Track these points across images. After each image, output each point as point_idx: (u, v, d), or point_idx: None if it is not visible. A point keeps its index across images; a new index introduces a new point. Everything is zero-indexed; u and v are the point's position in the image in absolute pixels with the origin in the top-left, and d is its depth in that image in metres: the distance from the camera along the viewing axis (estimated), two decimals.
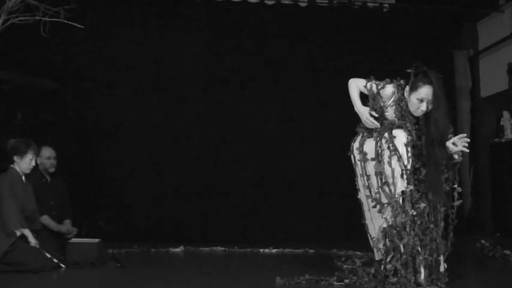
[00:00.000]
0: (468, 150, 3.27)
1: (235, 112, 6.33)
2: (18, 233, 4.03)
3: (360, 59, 6.51)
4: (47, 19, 4.41)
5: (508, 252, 4.62)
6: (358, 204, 6.12)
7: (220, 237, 5.77)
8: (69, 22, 4.46)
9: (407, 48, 6.64)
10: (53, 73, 5.97)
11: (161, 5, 6.36)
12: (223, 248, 5.40)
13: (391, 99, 3.44)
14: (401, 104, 3.38)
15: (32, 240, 4.05)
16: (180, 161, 6.19)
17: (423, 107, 3.29)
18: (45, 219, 4.76)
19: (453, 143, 3.26)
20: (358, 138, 3.64)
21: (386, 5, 6.79)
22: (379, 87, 3.47)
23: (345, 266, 4.11)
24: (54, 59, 6.02)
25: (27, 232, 4.07)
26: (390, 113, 3.46)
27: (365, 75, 6.80)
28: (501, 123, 6.70)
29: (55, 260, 4.02)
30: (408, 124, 3.35)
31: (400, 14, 6.73)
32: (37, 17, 4.41)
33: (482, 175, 6.92)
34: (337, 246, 5.19)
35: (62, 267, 4.04)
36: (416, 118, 3.40)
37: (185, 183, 6.17)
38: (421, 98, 3.28)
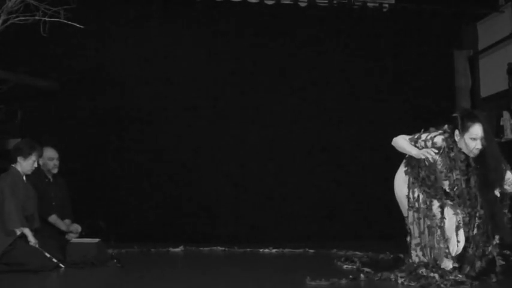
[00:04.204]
0: None
1: (236, 113, 6.33)
2: (18, 232, 4.04)
3: (360, 58, 6.51)
4: (47, 19, 4.40)
5: (508, 252, 4.62)
6: (359, 204, 6.14)
7: (220, 237, 5.77)
8: (69, 22, 4.46)
9: (407, 48, 6.65)
10: (53, 73, 5.97)
11: (161, 4, 6.36)
12: (223, 248, 5.40)
13: (441, 149, 3.51)
14: (450, 155, 3.48)
15: (32, 240, 4.06)
16: (180, 161, 6.18)
17: (478, 145, 3.41)
18: (53, 219, 4.76)
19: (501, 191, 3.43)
20: None
21: (386, 5, 6.79)
22: (429, 142, 3.51)
23: (345, 266, 4.13)
24: (54, 59, 6.02)
25: (27, 231, 4.07)
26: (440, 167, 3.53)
27: (365, 75, 6.85)
28: (501, 123, 6.69)
29: (54, 260, 4.02)
30: (457, 173, 3.46)
31: (400, 14, 6.73)
32: (37, 17, 4.40)
33: None
34: (337, 246, 5.19)
35: (61, 267, 4.04)
36: (467, 167, 3.47)
37: (185, 183, 6.16)
38: (474, 137, 3.41)
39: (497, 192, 3.45)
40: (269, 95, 6.39)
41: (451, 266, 3.39)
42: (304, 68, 6.47)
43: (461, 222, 3.41)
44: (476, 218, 3.43)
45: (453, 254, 3.40)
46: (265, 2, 6.57)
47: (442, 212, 3.44)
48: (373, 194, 6.01)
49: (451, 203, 3.46)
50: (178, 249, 5.35)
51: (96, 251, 4.28)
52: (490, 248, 3.44)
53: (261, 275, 3.90)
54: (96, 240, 4.46)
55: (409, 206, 3.58)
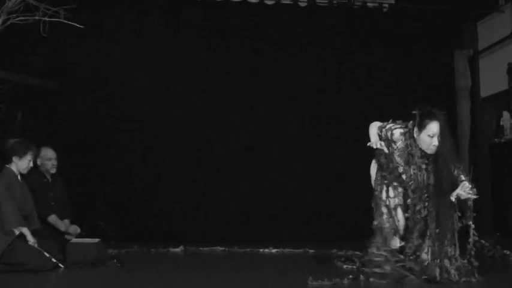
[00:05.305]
0: (477, 196, 3.52)
1: (236, 112, 6.33)
2: (16, 232, 4.04)
3: (360, 59, 6.51)
4: (47, 19, 4.41)
5: (508, 252, 4.62)
6: (357, 204, 6.12)
7: (220, 237, 5.77)
8: (69, 22, 4.46)
9: (407, 48, 6.64)
10: (53, 73, 5.97)
11: (161, 5, 6.36)
12: (223, 248, 5.40)
13: (400, 142, 3.70)
14: (407, 149, 3.64)
15: (31, 239, 4.06)
16: (180, 161, 6.18)
17: (435, 141, 3.54)
18: (53, 219, 4.76)
19: (457, 197, 3.52)
20: None
21: (386, 5, 6.78)
22: (389, 133, 3.74)
23: (345, 266, 4.13)
24: (54, 59, 6.02)
25: (25, 231, 4.07)
26: (398, 158, 3.72)
27: (365, 75, 6.85)
28: (501, 123, 6.70)
29: (53, 260, 4.02)
30: (414, 168, 3.61)
31: (399, 14, 6.72)
32: (37, 17, 4.41)
33: (482, 175, 6.91)
34: (337, 246, 5.19)
35: (60, 267, 4.04)
36: (426, 164, 3.61)
37: (185, 183, 6.16)
38: (431, 134, 3.54)
39: (452, 198, 3.52)
40: (269, 94, 6.39)
41: (397, 245, 3.59)
42: (304, 68, 6.47)
43: (400, 203, 3.63)
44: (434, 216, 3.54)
45: (400, 232, 3.61)
46: (265, 2, 6.57)
47: (387, 191, 3.70)
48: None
49: (396, 184, 3.67)
50: (178, 249, 5.34)
51: (96, 251, 4.28)
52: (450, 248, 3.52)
53: (261, 275, 3.90)
54: (96, 240, 4.46)
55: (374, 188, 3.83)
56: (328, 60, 6.52)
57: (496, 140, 6.78)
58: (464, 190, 3.48)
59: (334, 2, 6.60)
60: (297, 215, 6.21)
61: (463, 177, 3.55)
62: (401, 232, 3.60)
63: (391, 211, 3.67)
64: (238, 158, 6.25)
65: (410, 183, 3.59)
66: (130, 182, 6.10)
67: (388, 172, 3.71)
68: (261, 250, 5.28)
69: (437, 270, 3.38)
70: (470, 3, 6.72)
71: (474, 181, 7.37)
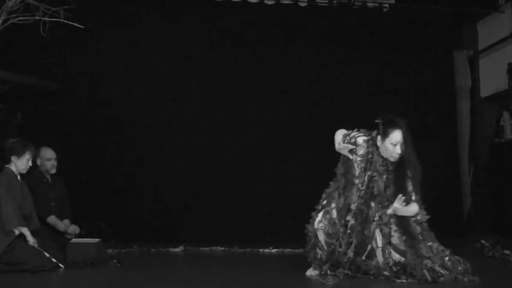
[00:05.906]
0: (427, 217, 3.65)
1: (235, 112, 6.33)
2: (16, 232, 4.04)
3: (360, 59, 6.51)
4: (47, 19, 4.41)
5: (508, 252, 4.62)
6: None
7: (220, 237, 5.77)
8: (69, 22, 4.46)
9: (407, 48, 6.64)
10: (53, 73, 5.97)
11: (162, 5, 6.36)
12: (223, 248, 5.39)
13: (362, 150, 3.76)
14: (368, 157, 3.72)
15: (31, 239, 4.06)
16: (180, 160, 6.18)
17: (398, 149, 3.65)
18: (53, 219, 4.77)
19: (394, 210, 3.58)
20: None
21: (386, 5, 6.78)
22: (352, 140, 3.79)
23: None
24: (54, 59, 6.02)
25: (25, 231, 4.07)
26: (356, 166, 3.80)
27: (365, 75, 6.84)
28: (501, 123, 6.70)
29: (54, 260, 4.02)
30: (374, 174, 3.70)
31: (400, 14, 6.72)
32: (37, 17, 4.41)
33: (482, 175, 6.92)
34: None
35: (60, 267, 4.04)
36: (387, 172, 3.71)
37: (185, 183, 6.16)
38: (394, 142, 3.65)
39: (388, 211, 3.58)
40: (269, 94, 6.39)
41: (322, 238, 3.70)
42: (304, 68, 6.47)
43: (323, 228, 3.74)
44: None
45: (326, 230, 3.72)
46: (265, 2, 6.57)
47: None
48: None
49: (327, 208, 3.84)
50: (178, 249, 5.35)
51: (96, 251, 4.28)
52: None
53: (261, 275, 3.90)
54: (96, 240, 4.46)
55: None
56: (327, 60, 6.51)
57: (496, 140, 6.79)
58: (400, 204, 3.50)
59: (334, 2, 6.60)
60: (297, 215, 6.19)
61: (413, 196, 3.58)
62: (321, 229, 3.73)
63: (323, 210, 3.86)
64: (239, 157, 6.24)
65: (361, 188, 3.66)
66: (130, 182, 6.09)
67: (336, 186, 3.83)
68: (261, 250, 5.28)
69: (426, 272, 3.39)
70: (470, 3, 6.73)
71: (474, 181, 7.40)
